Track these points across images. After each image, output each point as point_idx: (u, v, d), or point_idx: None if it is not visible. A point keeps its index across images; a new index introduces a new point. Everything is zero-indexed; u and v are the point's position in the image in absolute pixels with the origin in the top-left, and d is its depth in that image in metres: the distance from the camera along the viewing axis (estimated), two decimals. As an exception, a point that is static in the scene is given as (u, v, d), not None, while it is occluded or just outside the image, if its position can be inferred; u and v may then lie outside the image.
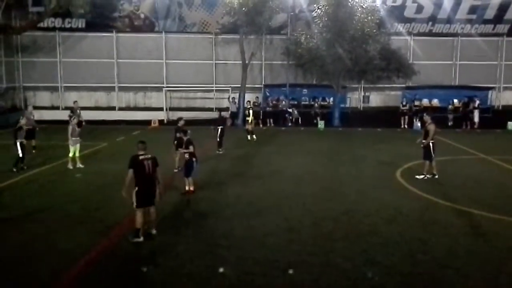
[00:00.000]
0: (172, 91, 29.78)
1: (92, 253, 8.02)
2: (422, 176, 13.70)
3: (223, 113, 20.33)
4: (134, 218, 8.49)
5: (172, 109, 28.96)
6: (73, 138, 14.80)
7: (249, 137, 21.24)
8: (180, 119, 14.82)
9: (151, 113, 28.58)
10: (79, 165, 14.92)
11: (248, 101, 25.58)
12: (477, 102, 27.30)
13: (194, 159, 11.65)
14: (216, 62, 30.46)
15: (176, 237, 8.82)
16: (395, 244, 8.58)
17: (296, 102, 29.32)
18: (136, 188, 8.35)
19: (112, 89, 30.66)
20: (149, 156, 8.55)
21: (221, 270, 7.44)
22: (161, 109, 28.76)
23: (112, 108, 30.40)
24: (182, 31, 30.47)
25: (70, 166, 14.80)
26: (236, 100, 27.86)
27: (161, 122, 27.54)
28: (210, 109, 29.46)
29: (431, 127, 13.60)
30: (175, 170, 14.17)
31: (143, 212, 8.46)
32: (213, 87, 30.12)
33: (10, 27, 27.81)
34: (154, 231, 8.71)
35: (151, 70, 30.21)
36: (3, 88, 28.94)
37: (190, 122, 26.26)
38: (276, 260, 7.85)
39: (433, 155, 13.66)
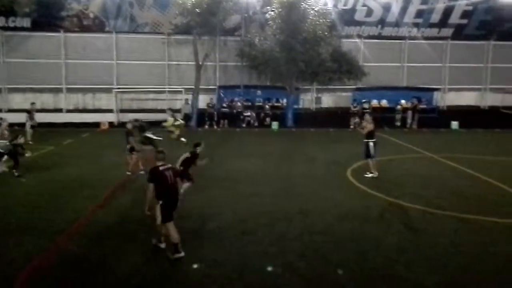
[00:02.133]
0: (123, 93, 29.08)
1: (39, 260, 7.68)
2: (371, 175, 14.11)
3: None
4: (168, 233, 7.84)
5: (122, 111, 28.27)
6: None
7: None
8: (130, 121, 14.64)
9: (101, 115, 27.75)
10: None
11: (187, 103, 24.87)
12: (412, 102, 28.56)
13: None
14: (169, 63, 30.03)
15: (129, 242, 8.59)
16: (348, 242, 8.76)
17: (250, 104, 29.41)
18: (160, 202, 7.72)
19: (59, 90, 29.55)
20: (169, 166, 7.99)
21: (175, 273, 7.32)
22: (111, 111, 28.00)
23: (59, 110, 29.27)
24: (133, 31, 29.84)
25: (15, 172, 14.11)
26: (190, 102, 27.59)
27: (111, 124, 26.82)
28: (163, 111, 28.98)
29: (369, 126, 14.22)
30: (128, 173, 14.06)
31: (173, 224, 7.80)
32: (165, 88, 29.67)
33: None
34: (163, 245, 8.14)
35: (101, 71, 29.39)
36: None
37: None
38: (231, 261, 7.81)
39: (372, 154, 14.17)
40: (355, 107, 28.26)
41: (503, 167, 16.14)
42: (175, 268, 7.52)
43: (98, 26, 29.59)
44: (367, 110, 27.59)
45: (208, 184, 13.20)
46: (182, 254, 7.81)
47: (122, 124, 26.16)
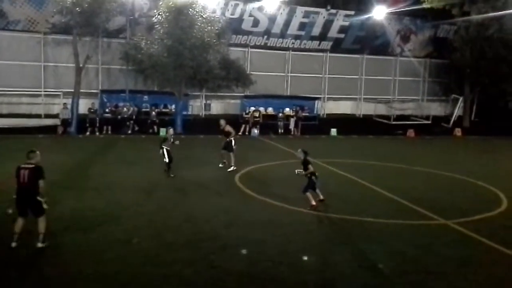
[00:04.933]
0: (-9, 95, 26.23)
1: None
2: (232, 168, 15.99)
3: None
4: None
5: (-9, 115, 25.52)
6: None
7: None
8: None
9: (-36, 120, 24.69)
10: None
11: None
12: (294, 110, 30.02)
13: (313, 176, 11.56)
14: (45, 64, 27.73)
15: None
16: (234, 247, 8.81)
17: (136, 109, 28.34)
18: (14, 196, 8.27)
19: None
20: (29, 166, 8.26)
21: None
22: (-23, 115, 25.09)
23: None
24: (3, 28, 27.05)
25: None
26: (69, 106, 25.73)
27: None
28: (38, 116, 26.73)
29: (230, 128, 16.93)
30: None
31: (21, 220, 8.29)
32: (41, 91, 27.37)
33: None
34: (39, 244, 8.26)
35: (-36, 71, 26.17)
36: None
37: (13, 130, 23.61)
38: (115, 274, 7.37)
39: (234, 148, 16.39)
40: (246, 114, 28.84)
41: (376, 170, 17.61)
42: (46, 284, 6.86)
43: (-41, 20, 26.35)
44: (258, 118, 28.45)
45: (90, 193, 12.39)
46: (13, 245, 8.15)
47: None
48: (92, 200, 11.74)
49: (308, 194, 11.58)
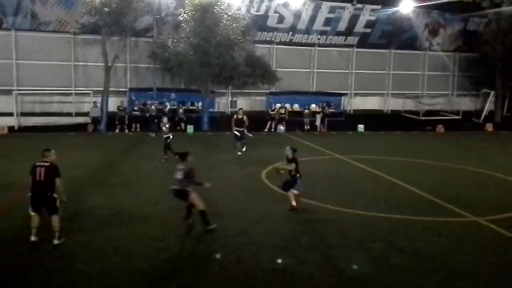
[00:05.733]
0: (24, 95, 27.04)
1: None
2: (240, 153, 18.38)
3: None
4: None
5: (24, 114, 26.32)
6: None
7: None
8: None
9: (-1, 119, 25.59)
10: None
11: None
12: (320, 106, 29.99)
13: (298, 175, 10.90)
14: (75, 63, 28.47)
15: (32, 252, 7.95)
16: (261, 243, 8.84)
17: (168, 106, 28.72)
18: (29, 194, 8.41)
19: (-52, 91, 26.76)
20: (45, 164, 8.44)
21: (83, 285, 6.89)
22: (11, 114, 25.89)
23: (-50, 113, 26.51)
24: (35, 29, 27.86)
25: None
26: (98, 105, 26.33)
27: (11, 128, 24.82)
28: (69, 114, 27.44)
29: (246, 118, 18.88)
30: None
31: (36, 216, 8.40)
32: (72, 90, 28.07)
33: None
34: (55, 241, 8.42)
35: (-2, 71, 27.09)
36: None
37: (45, 128, 24.34)
38: (145, 270, 7.52)
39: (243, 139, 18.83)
40: (272, 110, 28.94)
41: (404, 166, 17.35)
42: (80, 279, 7.06)
43: (-7, 22, 27.25)
44: (284, 115, 28.51)
45: (118, 191, 12.68)
46: (32, 239, 8.34)
47: (24, 129, 24.55)
48: (121, 197, 11.99)
49: (290, 193, 11.01)
